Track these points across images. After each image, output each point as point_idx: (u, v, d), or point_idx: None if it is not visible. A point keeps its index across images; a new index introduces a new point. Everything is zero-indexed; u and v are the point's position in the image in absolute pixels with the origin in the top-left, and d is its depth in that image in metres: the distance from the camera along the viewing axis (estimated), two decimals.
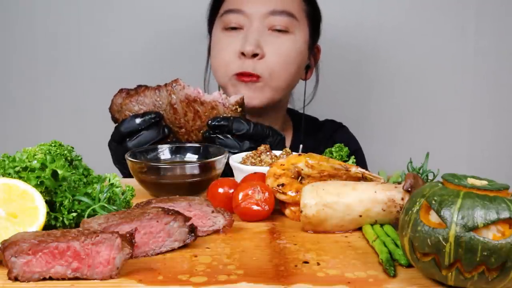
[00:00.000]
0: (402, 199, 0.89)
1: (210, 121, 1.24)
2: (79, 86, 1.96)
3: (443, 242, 0.67)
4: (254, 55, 1.44)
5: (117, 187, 0.94)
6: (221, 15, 1.50)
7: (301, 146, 1.39)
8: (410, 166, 1.03)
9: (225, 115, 1.25)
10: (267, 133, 1.27)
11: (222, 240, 0.88)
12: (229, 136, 1.24)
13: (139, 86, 1.30)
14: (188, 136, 1.28)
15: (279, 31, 1.47)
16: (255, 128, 1.24)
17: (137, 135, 1.25)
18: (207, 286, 0.72)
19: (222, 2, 1.53)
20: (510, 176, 1.85)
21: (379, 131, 1.98)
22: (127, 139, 1.25)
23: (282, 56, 1.46)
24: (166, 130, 1.26)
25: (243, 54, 1.44)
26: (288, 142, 1.61)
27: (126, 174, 1.29)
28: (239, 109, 1.25)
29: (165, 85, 1.27)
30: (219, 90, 1.49)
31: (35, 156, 0.91)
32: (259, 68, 1.45)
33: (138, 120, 1.25)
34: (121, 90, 1.31)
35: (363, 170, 0.99)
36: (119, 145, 1.27)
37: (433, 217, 0.70)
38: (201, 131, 1.26)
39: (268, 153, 1.10)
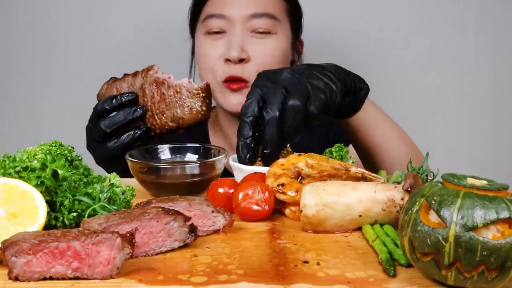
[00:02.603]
0: (402, 199, 0.89)
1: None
2: (79, 86, 1.96)
3: (443, 242, 0.67)
4: (240, 60, 1.45)
5: (117, 187, 0.94)
6: (203, 20, 1.51)
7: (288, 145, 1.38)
8: (410, 166, 1.03)
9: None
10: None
11: (222, 240, 0.88)
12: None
13: (125, 74, 1.31)
14: (153, 120, 1.24)
15: (262, 33, 1.48)
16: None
17: (110, 115, 1.22)
18: (207, 286, 0.72)
19: (202, 6, 1.54)
20: (510, 176, 1.85)
21: None
22: (100, 120, 1.23)
23: (268, 58, 1.47)
24: (139, 110, 1.22)
25: (228, 60, 1.45)
26: None
27: (97, 161, 1.28)
28: (202, 94, 1.21)
29: (142, 70, 1.28)
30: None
31: (36, 156, 0.91)
32: (247, 71, 1.46)
33: (112, 99, 1.23)
34: (110, 78, 1.32)
35: (363, 170, 0.99)
36: (93, 125, 1.25)
37: (433, 217, 0.70)
38: (164, 115, 1.24)
39: None
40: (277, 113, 1.06)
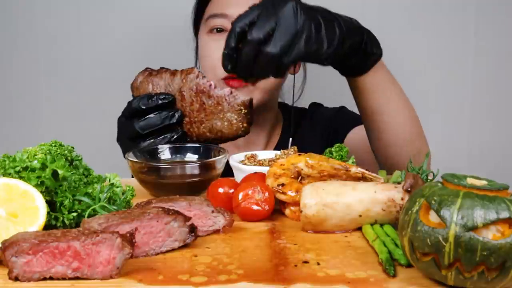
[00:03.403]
0: (402, 199, 0.89)
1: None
2: (79, 86, 1.96)
3: (443, 242, 0.67)
4: None
5: (117, 187, 0.94)
6: (206, 19, 1.53)
7: (290, 140, 1.38)
8: (410, 166, 1.03)
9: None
10: None
11: (222, 240, 0.88)
12: None
13: (162, 68, 1.28)
14: (190, 127, 1.24)
15: None
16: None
17: (146, 117, 1.20)
18: (207, 286, 0.72)
19: (205, 6, 1.55)
20: (510, 176, 1.85)
21: None
22: (135, 119, 1.21)
23: None
24: (177, 114, 1.21)
25: None
26: (277, 138, 1.63)
27: (124, 154, 1.27)
28: (244, 111, 1.20)
29: (182, 71, 1.25)
30: None
31: (36, 156, 0.91)
32: None
33: (149, 98, 1.21)
34: (146, 69, 1.30)
35: (363, 170, 0.99)
36: (127, 121, 1.23)
37: (433, 217, 0.70)
38: (203, 125, 1.24)
39: None
40: (261, 37, 1.06)
